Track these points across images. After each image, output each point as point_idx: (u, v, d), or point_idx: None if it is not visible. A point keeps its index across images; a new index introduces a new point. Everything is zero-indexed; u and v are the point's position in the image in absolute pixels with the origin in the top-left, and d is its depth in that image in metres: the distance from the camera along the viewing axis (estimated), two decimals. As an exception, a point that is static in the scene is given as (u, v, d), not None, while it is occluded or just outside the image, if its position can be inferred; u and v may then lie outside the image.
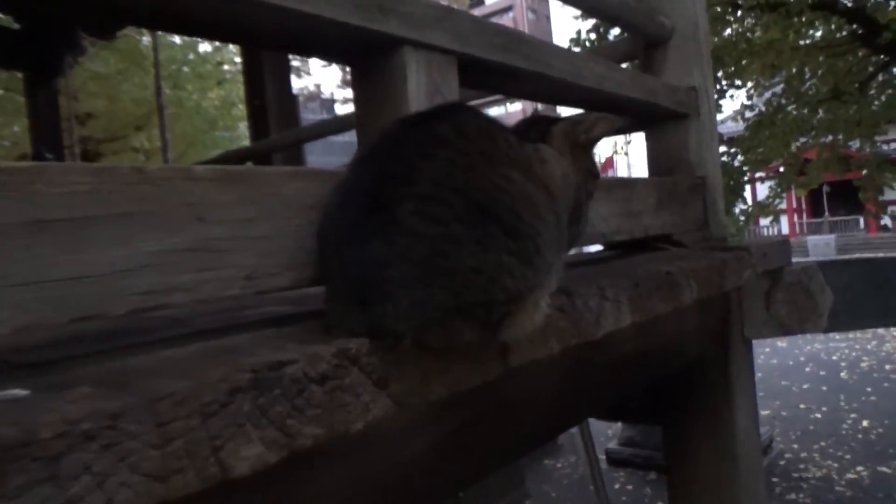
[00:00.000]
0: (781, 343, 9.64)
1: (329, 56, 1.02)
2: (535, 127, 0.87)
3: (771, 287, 1.78)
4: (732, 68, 7.73)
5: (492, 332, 0.65)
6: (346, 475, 0.74)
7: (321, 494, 0.71)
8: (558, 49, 1.21)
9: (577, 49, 7.15)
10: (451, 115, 0.72)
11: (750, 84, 8.73)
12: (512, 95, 1.29)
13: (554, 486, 5.17)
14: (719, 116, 8.71)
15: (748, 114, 8.60)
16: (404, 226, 0.61)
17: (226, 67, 12.31)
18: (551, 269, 0.74)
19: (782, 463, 5.36)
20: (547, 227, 0.69)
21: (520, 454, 1.03)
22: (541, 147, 0.77)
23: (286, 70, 4.54)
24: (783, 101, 8.26)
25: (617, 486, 5.10)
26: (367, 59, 0.95)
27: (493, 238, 0.63)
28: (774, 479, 5.04)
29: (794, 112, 8.02)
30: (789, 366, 8.39)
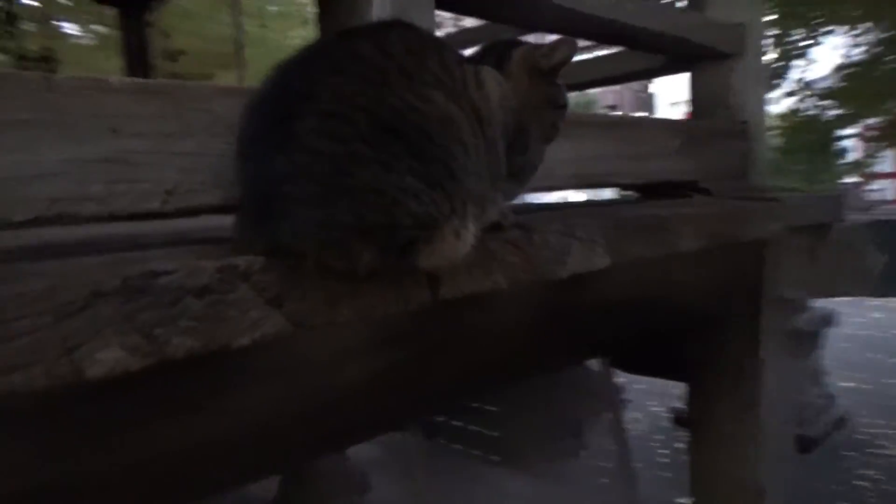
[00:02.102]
0: (877, 314, 9.07)
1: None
2: (493, 50, 0.82)
3: (814, 244, 1.66)
4: (826, 11, 7.03)
5: (397, 257, 0.63)
6: (273, 393, 0.75)
7: (245, 409, 0.72)
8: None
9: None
10: (380, 31, 0.69)
11: (854, 33, 7.94)
12: (500, 22, 1.22)
13: (612, 441, 5.14)
14: (812, 67, 8.02)
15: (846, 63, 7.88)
16: (304, 142, 0.59)
17: (310, 9, 12.36)
18: (482, 199, 0.70)
19: (858, 437, 5.12)
20: (468, 152, 0.65)
21: (488, 388, 1.01)
22: (481, 69, 0.73)
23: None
24: (882, 51, 7.47)
25: (679, 446, 5.02)
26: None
27: (396, 159, 0.60)
28: (847, 454, 4.82)
29: (893, 64, 7.25)
30: (880, 338, 7.89)
